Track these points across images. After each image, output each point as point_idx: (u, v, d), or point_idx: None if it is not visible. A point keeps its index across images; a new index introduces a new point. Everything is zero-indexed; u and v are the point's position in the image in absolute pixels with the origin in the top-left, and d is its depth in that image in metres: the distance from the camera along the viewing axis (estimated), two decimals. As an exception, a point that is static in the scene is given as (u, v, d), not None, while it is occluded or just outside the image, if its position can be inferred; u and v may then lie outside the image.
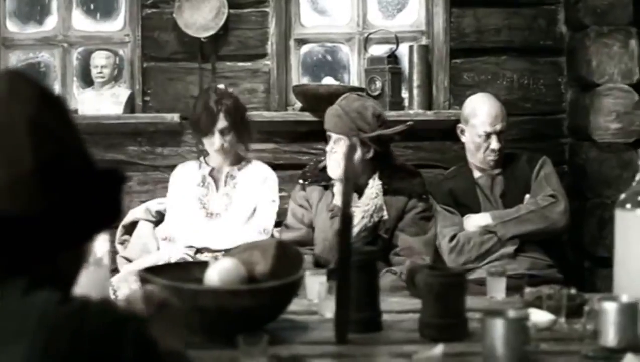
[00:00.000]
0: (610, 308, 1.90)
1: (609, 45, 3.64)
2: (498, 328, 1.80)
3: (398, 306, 2.32)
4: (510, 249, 3.28)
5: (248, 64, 3.99)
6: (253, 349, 1.76)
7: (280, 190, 3.58)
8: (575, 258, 3.70)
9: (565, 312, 2.17)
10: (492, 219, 3.31)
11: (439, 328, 2.01)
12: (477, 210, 3.39)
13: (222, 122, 3.40)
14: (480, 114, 3.39)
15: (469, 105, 3.46)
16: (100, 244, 2.08)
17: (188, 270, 2.23)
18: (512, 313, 1.88)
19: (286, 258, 2.15)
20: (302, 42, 4.08)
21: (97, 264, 2.06)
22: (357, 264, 2.06)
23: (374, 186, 3.31)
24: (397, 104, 3.91)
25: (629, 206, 2.21)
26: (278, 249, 2.15)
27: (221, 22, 3.91)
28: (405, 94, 3.99)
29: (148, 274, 2.06)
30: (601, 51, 3.65)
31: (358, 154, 3.25)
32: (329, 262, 3.22)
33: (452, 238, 3.32)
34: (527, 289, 2.34)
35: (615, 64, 3.64)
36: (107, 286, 2.18)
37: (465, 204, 3.41)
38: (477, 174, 3.47)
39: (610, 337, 1.89)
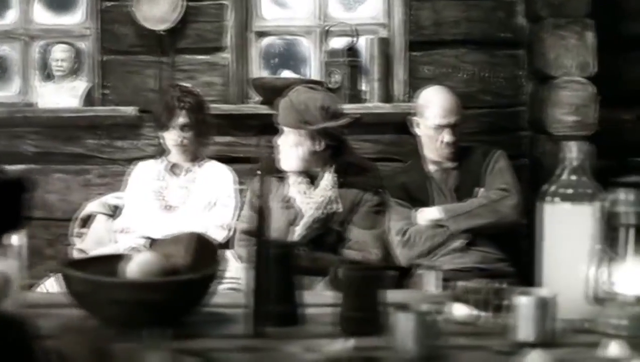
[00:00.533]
0: (524, 302, 1.89)
1: (565, 38, 3.62)
2: (405, 322, 1.79)
3: (323, 300, 2.30)
4: (461, 242, 3.27)
5: (206, 57, 3.98)
6: (155, 342, 1.75)
7: (240, 183, 3.58)
8: (533, 252, 3.68)
9: (492, 306, 2.15)
10: (443, 212, 3.30)
11: (356, 322, 1.99)
12: (430, 204, 3.37)
13: (182, 119, 3.45)
14: (433, 107, 3.37)
15: (423, 97, 3.44)
16: (18, 237, 2.07)
17: (113, 263, 2.22)
18: (423, 307, 1.86)
19: (207, 251, 2.14)
20: (262, 35, 4.06)
21: (15, 256, 2.05)
22: (274, 257, 2.05)
23: (328, 178, 3.31)
24: (356, 97, 3.89)
25: (552, 198, 2.20)
26: (199, 242, 2.14)
27: (179, 16, 3.89)
28: (365, 87, 3.97)
29: (68, 268, 2.05)
30: (558, 44, 3.62)
31: (307, 147, 3.26)
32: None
33: (403, 232, 3.31)
34: (459, 283, 2.32)
35: (572, 56, 3.61)
36: (22, 277, 2.17)
37: (419, 198, 3.39)
38: (431, 168, 3.45)
39: (524, 331, 1.88)
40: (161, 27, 3.91)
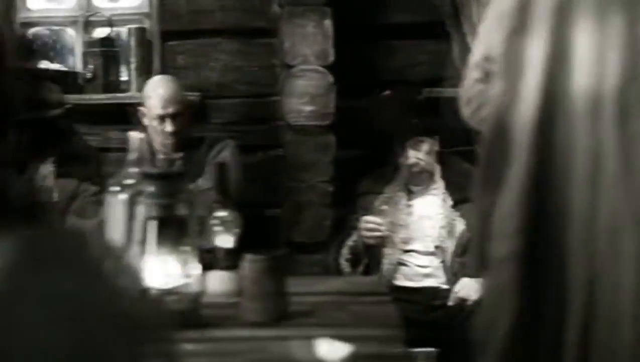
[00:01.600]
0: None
1: (303, 26, 3.57)
2: None
3: None
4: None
5: (-37, 48, 3.96)
6: None
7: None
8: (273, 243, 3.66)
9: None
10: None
11: None
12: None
13: None
14: (153, 97, 3.36)
15: (146, 88, 3.43)
16: None
17: None
18: None
19: None
20: (27, 25, 4.04)
21: None
22: None
23: (44, 169, 3.31)
24: (111, 86, 3.86)
25: (115, 189, 2.21)
26: None
27: None
28: (126, 76, 3.95)
29: None
30: (295, 32, 3.58)
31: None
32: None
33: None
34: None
35: (310, 44, 3.57)
36: None
37: (139, 188, 3.38)
38: (159, 157, 3.44)
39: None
40: None
